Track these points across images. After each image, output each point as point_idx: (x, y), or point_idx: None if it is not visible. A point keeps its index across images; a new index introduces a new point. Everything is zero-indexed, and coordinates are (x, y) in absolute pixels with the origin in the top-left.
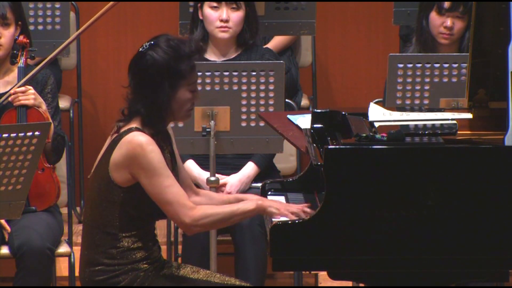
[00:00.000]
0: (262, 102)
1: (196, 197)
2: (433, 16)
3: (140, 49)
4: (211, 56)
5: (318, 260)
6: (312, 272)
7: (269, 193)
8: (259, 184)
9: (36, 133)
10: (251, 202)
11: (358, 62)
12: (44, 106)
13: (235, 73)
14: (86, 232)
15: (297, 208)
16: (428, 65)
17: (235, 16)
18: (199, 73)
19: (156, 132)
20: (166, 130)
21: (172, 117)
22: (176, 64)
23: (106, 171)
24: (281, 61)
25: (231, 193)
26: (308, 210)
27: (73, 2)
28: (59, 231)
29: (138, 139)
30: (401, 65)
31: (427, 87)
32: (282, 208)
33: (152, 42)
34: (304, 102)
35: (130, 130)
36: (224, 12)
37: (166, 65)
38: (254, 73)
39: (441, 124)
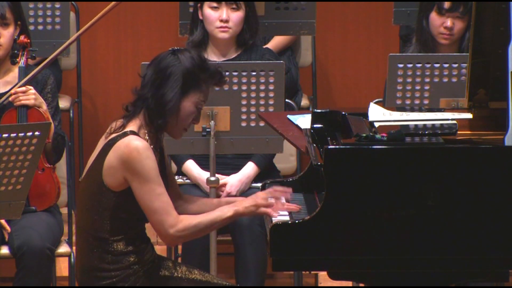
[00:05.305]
0: (262, 102)
1: (180, 200)
2: (433, 16)
3: (170, 49)
4: (211, 56)
5: (318, 260)
6: (312, 272)
7: None
8: (259, 184)
9: (36, 133)
10: (228, 208)
11: (358, 62)
12: (44, 106)
13: (235, 73)
14: (80, 236)
15: (267, 192)
16: (428, 65)
17: (235, 16)
18: None
19: (154, 129)
20: (160, 139)
21: (174, 123)
22: (197, 71)
23: (99, 175)
24: (281, 61)
25: (231, 193)
26: (278, 189)
27: (73, 2)
28: (59, 231)
29: (135, 144)
30: (401, 65)
31: (427, 87)
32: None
33: (183, 48)
34: (304, 102)
35: (125, 134)
36: (224, 12)
37: (187, 67)
38: (254, 73)
39: (441, 124)
